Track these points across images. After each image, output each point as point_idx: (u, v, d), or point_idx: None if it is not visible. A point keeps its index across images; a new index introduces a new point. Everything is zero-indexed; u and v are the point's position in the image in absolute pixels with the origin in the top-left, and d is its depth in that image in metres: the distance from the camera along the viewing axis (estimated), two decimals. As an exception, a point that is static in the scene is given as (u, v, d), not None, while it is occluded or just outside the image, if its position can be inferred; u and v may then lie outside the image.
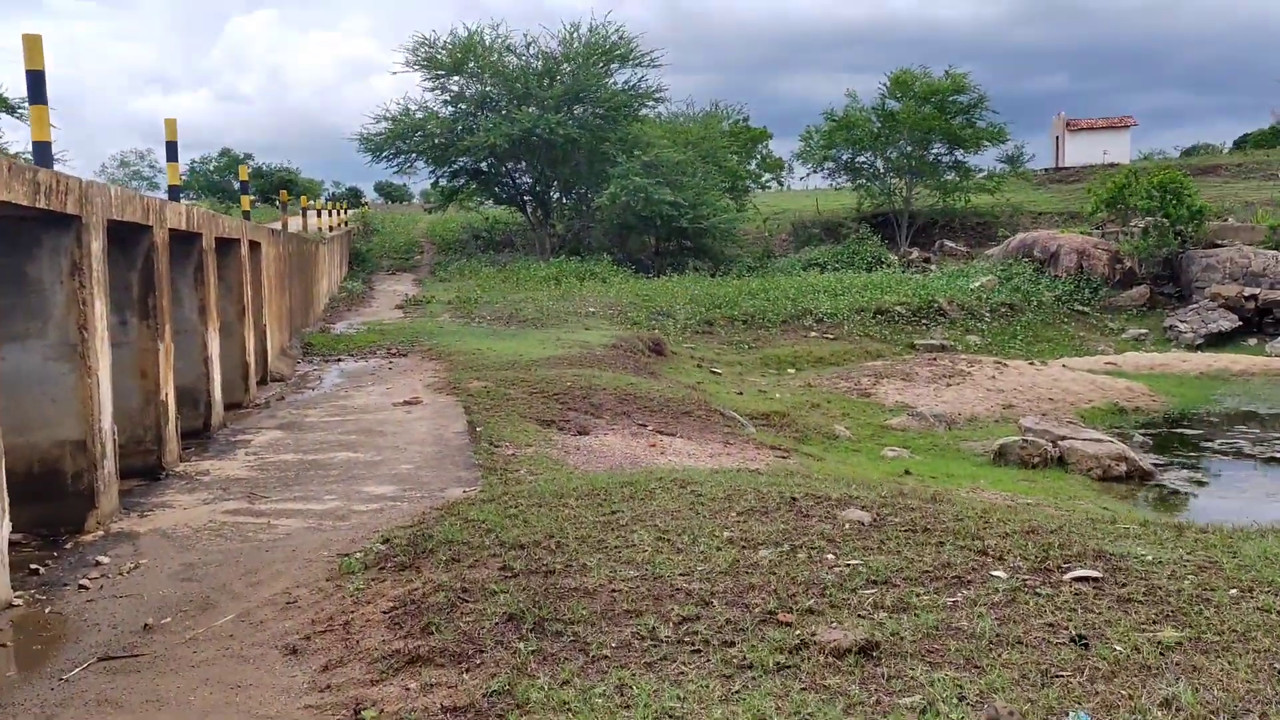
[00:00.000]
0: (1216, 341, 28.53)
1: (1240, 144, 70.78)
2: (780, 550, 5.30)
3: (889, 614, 4.35)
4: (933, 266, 38.71)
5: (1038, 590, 4.56)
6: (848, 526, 5.72)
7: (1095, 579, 4.67)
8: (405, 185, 77.54)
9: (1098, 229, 37.40)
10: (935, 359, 21.26)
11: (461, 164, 39.27)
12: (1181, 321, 29.53)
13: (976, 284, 31.94)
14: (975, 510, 6.14)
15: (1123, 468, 13.37)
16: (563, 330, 22.03)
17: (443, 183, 40.45)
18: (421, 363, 17.25)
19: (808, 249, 41.59)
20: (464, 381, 14.52)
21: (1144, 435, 16.21)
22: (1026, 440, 13.89)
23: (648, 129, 39.22)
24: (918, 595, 4.55)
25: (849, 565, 5.01)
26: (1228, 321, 29.17)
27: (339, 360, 17.88)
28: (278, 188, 38.29)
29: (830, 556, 5.19)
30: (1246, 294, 29.62)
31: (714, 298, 28.69)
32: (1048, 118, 54.24)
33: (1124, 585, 4.58)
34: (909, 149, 44.60)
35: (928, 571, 4.87)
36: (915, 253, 41.22)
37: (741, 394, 18.52)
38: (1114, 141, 62.42)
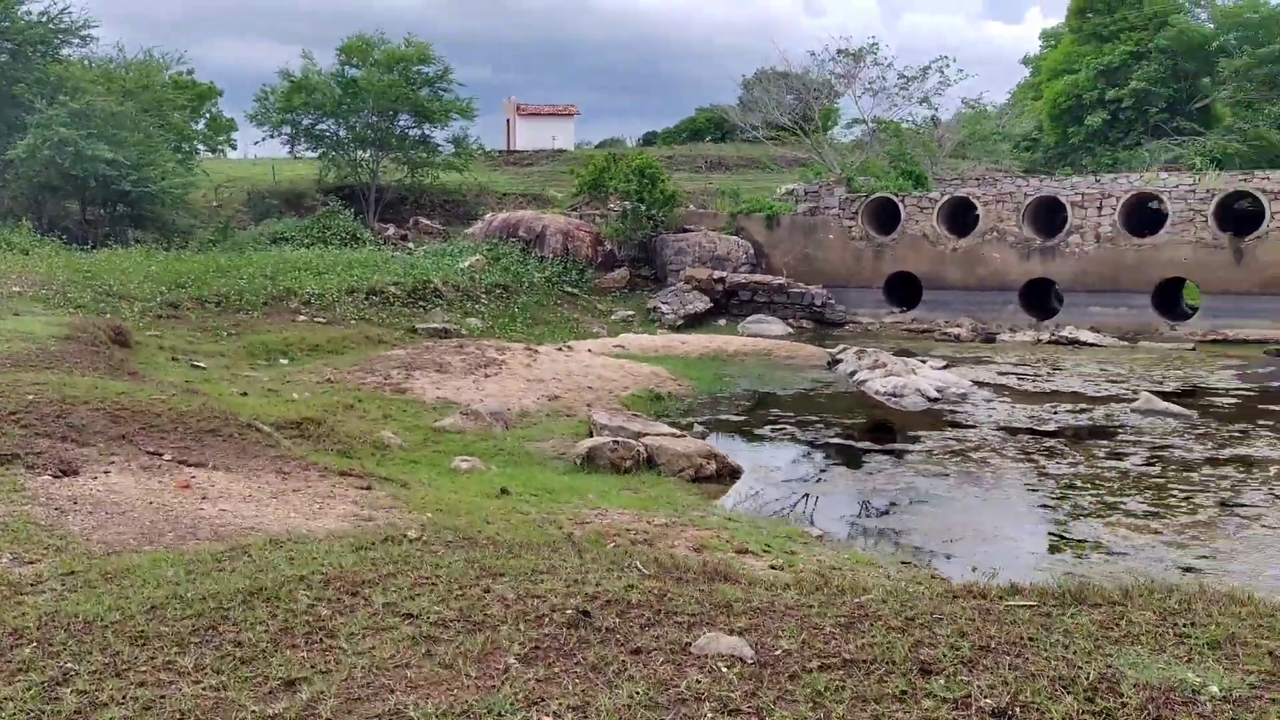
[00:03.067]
0: (694, 322, 29.86)
1: (650, 140, 77.19)
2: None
3: None
4: (410, 244, 36.74)
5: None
6: (727, 671, 3.46)
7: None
8: None
9: (573, 210, 37.86)
10: (462, 345, 19.30)
11: None
12: (664, 303, 30.51)
13: (466, 264, 30.56)
14: (864, 611, 4.17)
15: (713, 466, 12.40)
16: (-16, 317, 16.73)
17: None
18: None
19: (269, 221, 37.53)
20: None
21: (701, 426, 15.59)
22: (617, 442, 12.41)
23: (73, 72, 32.53)
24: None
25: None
26: (702, 303, 30.69)
27: None
28: None
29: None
30: (715, 276, 31.37)
31: (177, 275, 24.17)
32: (483, 104, 53.60)
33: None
34: (374, 119, 41.91)
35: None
36: (392, 229, 38.93)
37: (246, 395, 15.09)
38: (560, 128, 64.90)
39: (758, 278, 31.53)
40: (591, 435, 13.79)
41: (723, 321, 30.52)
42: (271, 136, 43.57)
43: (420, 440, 13.73)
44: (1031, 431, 15.00)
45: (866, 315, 30.78)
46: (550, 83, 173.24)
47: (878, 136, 36.49)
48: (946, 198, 30.73)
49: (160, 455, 9.30)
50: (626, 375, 19.09)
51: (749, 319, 29.77)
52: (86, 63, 35.39)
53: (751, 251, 32.57)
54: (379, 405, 15.24)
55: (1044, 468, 12.61)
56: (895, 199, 31.23)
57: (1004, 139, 42.53)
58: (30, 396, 10.09)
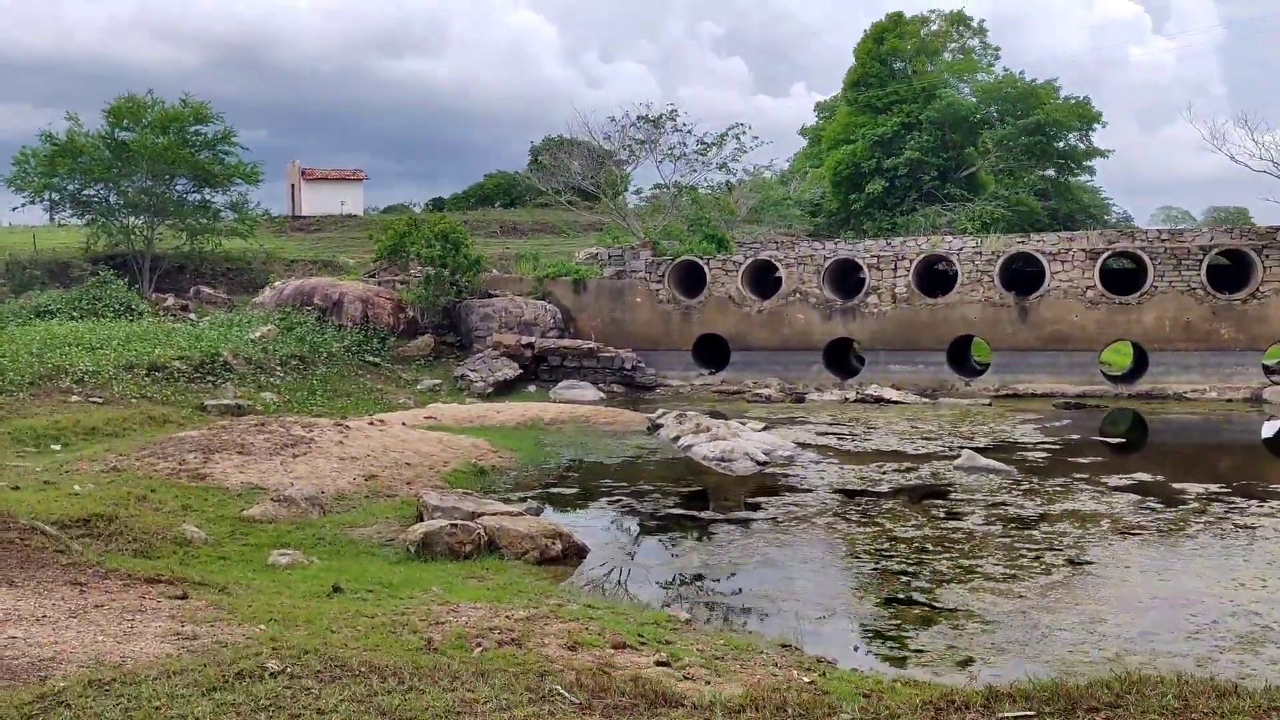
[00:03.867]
0: (504, 389, 29.05)
1: (439, 205, 76.22)
2: None
3: None
4: (192, 315, 34.37)
5: None
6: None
7: None
8: None
9: (372, 276, 36.42)
10: (264, 424, 17.75)
11: None
12: (472, 371, 29.56)
13: (257, 334, 28.73)
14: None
15: (559, 546, 11.64)
16: None
17: None
18: None
19: (32, 294, 34.38)
20: None
21: (535, 501, 14.78)
22: (455, 525, 11.46)
23: None
24: None
25: None
26: (511, 370, 29.92)
27: None
28: None
29: None
30: (524, 342, 30.71)
31: (-75, 355, 21.56)
32: (264, 168, 49.87)
33: None
34: (148, 183, 39.25)
35: None
36: (171, 299, 36.34)
37: (18, 489, 13.27)
38: (349, 193, 63.23)
39: (567, 342, 31.08)
40: (421, 518, 12.79)
41: (533, 388, 29.84)
42: (32, 202, 40.22)
43: (228, 533, 12.36)
44: (867, 493, 14.98)
45: (677, 378, 30.78)
46: (330, 147, 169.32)
47: (676, 201, 36.97)
48: (750, 260, 31.27)
49: (-79, 572, 7.79)
50: (445, 449, 18.07)
51: (561, 385, 29.21)
52: None
53: (559, 316, 32.13)
54: (176, 495, 13.68)
55: (891, 531, 12.50)
56: (700, 262, 31.54)
57: (795, 204, 44.05)
58: None
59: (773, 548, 11.91)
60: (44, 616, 6.97)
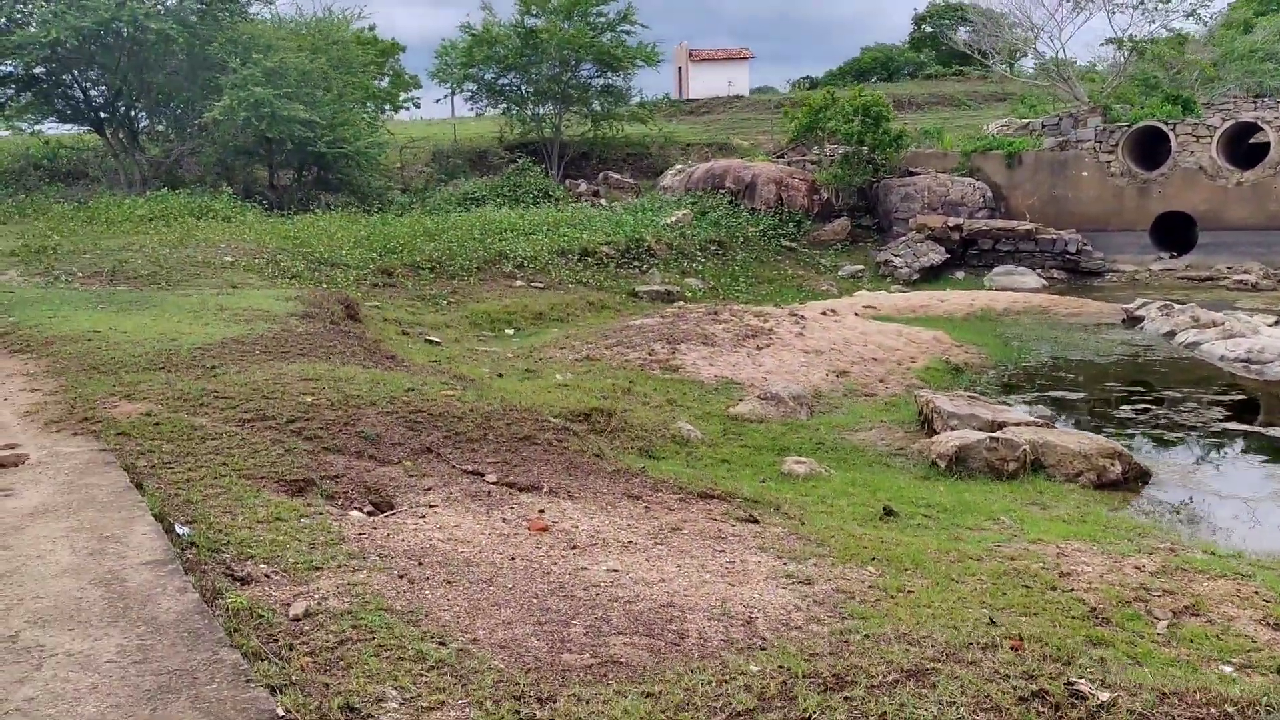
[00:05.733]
0: (929, 275, 26.88)
1: (812, 84, 72.73)
2: None
3: None
4: (602, 200, 34.63)
5: None
6: None
7: None
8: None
9: (780, 157, 35.06)
10: (717, 313, 16.90)
11: (8, 69, 29.26)
12: (895, 255, 27.53)
13: (673, 219, 28.16)
14: None
15: (1118, 468, 9.67)
16: (208, 291, 15.21)
17: (-22, 93, 30.06)
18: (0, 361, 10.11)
19: (459, 181, 35.98)
20: (100, 401, 7.95)
21: (1046, 408, 12.80)
22: (995, 439, 9.78)
23: (264, 30, 31.38)
24: None
25: None
26: (937, 254, 27.58)
27: None
28: None
29: None
30: (951, 224, 28.16)
31: (386, 240, 22.60)
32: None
33: None
34: (555, 70, 39.75)
35: None
36: (582, 185, 36.91)
37: (502, 375, 13.14)
38: (735, 73, 61.78)
39: (999, 223, 28.16)
40: (930, 424, 11.26)
41: (961, 274, 27.40)
42: (454, 93, 42.12)
43: (719, 432, 11.45)
44: None
45: (1129, 262, 27.07)
46: (693, 31, 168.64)
47: (1126, 60, 32.18)
48: (1229, 124, 26.61)
49: (481, 475, 7.20)
50: (909, 343, 16.41)
51: (996, 271, 26.53)
52: (274, 20, 34.33)
53: (989, 194, 29.14)
54: (656, 388, 13.00)
55: None
56: (1165, 127, 27.25)
57: (1268, 58, 37.37)
58: (308, 398, 8.13)
59: None
60: (630, 542, 6.05)
